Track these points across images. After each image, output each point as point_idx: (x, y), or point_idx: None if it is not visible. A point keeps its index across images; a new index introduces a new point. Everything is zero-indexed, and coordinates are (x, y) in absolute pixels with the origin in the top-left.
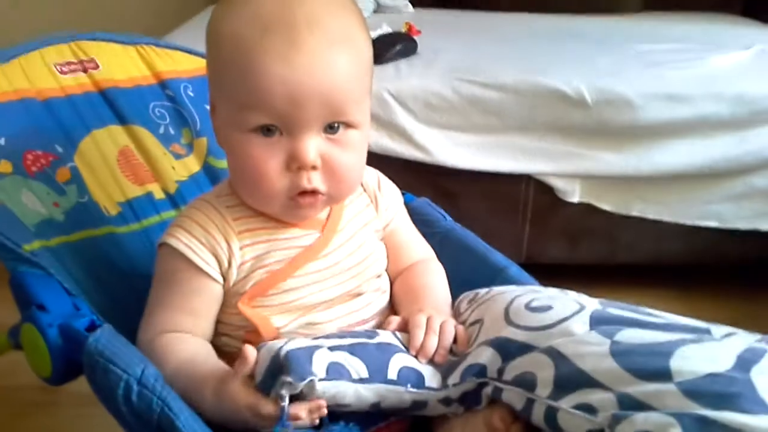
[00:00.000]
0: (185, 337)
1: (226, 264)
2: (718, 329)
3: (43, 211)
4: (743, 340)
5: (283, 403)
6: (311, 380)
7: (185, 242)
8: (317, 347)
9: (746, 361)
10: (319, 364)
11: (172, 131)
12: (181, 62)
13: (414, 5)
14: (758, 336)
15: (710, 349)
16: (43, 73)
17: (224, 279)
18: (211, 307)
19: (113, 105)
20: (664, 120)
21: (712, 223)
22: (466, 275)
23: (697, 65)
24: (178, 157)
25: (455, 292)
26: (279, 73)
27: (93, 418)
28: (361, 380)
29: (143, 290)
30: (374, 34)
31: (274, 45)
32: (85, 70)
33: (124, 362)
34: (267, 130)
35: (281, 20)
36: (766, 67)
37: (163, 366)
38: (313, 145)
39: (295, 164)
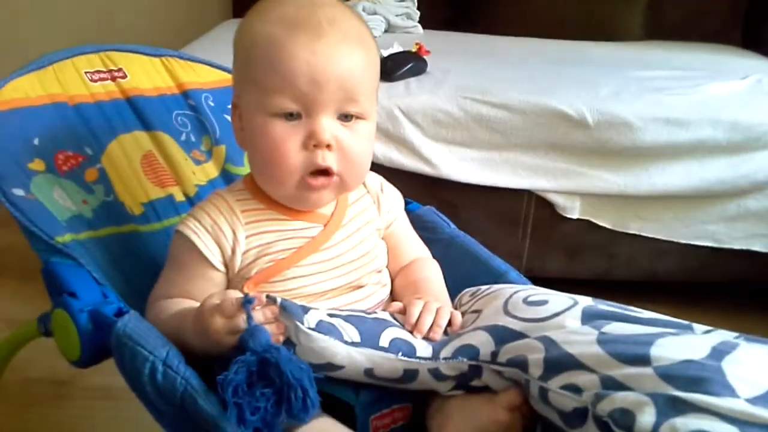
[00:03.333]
0: (180, 299)
1: (229, 252)
2: (700, 327)
3: (73, 208)
4: (721, 335)
5: (246, 295)
6: (298, 325)
7: (193, 229)
8: (314, 308)
9: (720, 351)
10: (311, 319)
11: (193, 138)
12: (203, 74)
13: (424, 27)
14: (736, 334)
15: (688, 340)
16: (74, 80)
17: (227, 267)
18: (208, 292)
19: (139, 112)
20: (662, 142)
21: (707, 243)
22: (468, 278)
23: (696, 92)
24: (198, 162)
25: (458, 294)
26: (304, 57)
27: (102, 411)
28: (353, 344)
29: None
30: (386, 52)
31: (299, 37)
32: (113, 79)
33: (151, 345)
34: (289, 115)
35: (305, 19)
36: (761, 95)
37: (159, 318)
38: (329, 126)
39: (311, 142)
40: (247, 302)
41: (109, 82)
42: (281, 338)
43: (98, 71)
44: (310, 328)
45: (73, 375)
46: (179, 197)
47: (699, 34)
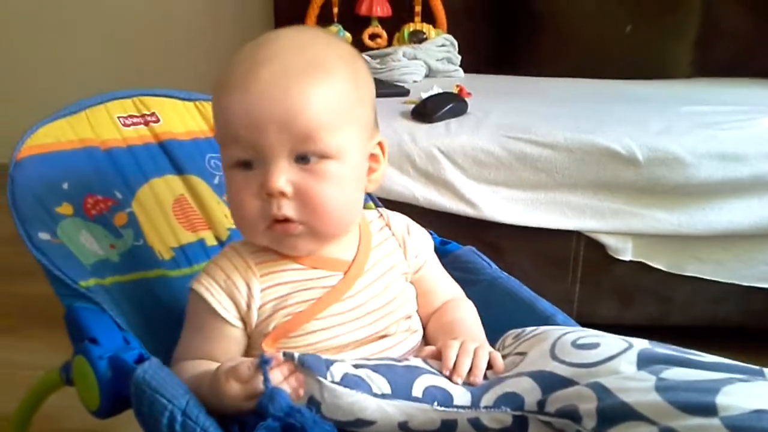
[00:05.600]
0: (200, 361)
1: (244, 307)
2: None
3: (99, 252)
4: None
5: (263, 355)
6: (321, 381)
7: (206, 286)
8: (337, 360)
9: None
10: (336, 372)
11: None
12: None
13: (465, 71)
14: None
15: (759, 387)
16: (107, 124)
17: (244, 322)
18: (229, 350)
19: (171, 156)
20: (718, 179)
21: None
22: (511, 321)
23: (750, 125)
24: None
25: (500, 338)
26: (237, 99)
27: None
28: (383, 396)
29: None
30: (425, 94)
31: (236, 79)
32: (146, 123)
33: (170, 393)
34: (245, 165)
35: (246, 60)
36: None
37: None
38: (281, 173)
39: (264, 191)
40: (263, 363)
41: (141, 126)
42: (301, 392)
43: (131, 116)
44: (334, 383)
45: (107, 426)
46: (211, 241)
47: (751, 69)
